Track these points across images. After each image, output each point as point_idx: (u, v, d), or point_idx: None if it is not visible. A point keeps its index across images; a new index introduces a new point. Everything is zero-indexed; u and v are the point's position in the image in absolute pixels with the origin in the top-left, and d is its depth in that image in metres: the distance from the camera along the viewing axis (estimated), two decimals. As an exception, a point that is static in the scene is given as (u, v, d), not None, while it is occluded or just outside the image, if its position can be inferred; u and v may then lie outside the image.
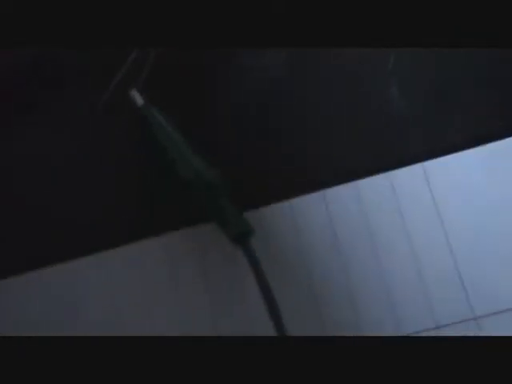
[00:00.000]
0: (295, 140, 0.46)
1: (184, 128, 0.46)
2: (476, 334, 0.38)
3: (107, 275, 0.42)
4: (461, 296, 0.37)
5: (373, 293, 0.39)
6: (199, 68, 0.52)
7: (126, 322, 0.39)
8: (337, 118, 0.46)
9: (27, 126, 0.50)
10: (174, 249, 0.43)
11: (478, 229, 0.38)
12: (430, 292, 0.37)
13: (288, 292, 0.39)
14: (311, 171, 0.44)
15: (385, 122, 0.44)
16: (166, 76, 0.51)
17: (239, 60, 0.51)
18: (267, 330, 0.35)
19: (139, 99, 0.47)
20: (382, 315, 0.38)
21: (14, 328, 0.40)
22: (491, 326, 0.36)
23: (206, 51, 0.53)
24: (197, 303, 0.41)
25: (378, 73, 0.47)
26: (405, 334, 0.37)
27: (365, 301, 0.39)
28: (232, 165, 0.45)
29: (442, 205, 0.39)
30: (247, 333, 0.38)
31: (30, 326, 0.40)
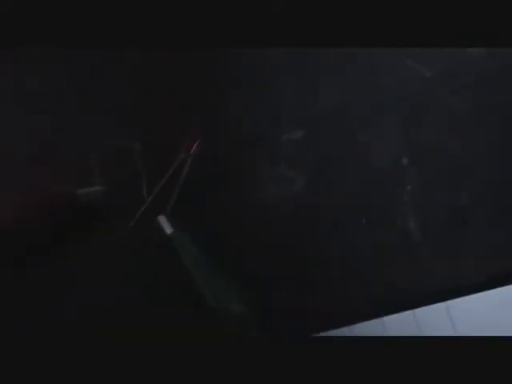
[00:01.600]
0: (322, 280, 0.47)
1: (215, 253, 0.47)
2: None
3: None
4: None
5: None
6: (223, 194, 0.52)
7: None
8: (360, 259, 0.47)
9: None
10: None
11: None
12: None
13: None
14: (336, 311, 0.45)
15: (408, 260, 0.46)
16: (194, 200, 0.52)
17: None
18: None
19: (167, 226, 0.48)
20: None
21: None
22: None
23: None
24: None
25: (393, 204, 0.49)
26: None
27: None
28: (264, 299, 0.46)
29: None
30: None
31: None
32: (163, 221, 0.48)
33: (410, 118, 0.52)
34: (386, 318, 0.41)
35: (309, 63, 0.58)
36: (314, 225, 0.49)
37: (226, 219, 0.50)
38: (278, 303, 0.46)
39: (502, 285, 0.41)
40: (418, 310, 0.41)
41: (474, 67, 0.53)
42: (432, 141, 0.51)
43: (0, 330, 0.50)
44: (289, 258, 0.48)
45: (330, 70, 0.57)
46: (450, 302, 0.41)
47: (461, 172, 0.49)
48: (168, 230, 0.47)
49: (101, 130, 0.57)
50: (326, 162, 0.52)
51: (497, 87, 0.52)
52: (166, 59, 0.60)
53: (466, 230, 0.46)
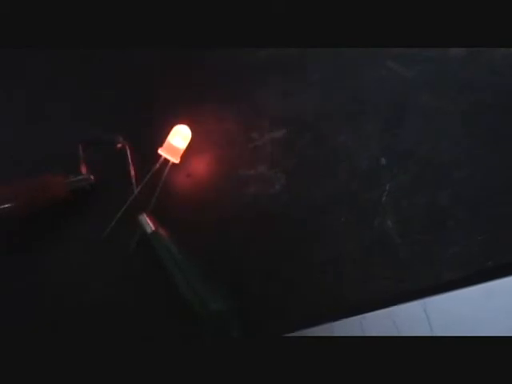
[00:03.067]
0: (306, 274, 0.48)
1: (193, 252, 0.47)
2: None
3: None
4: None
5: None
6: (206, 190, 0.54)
7: None
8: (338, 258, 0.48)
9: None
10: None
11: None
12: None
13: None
14: (319, 306, 0.46)
15: (386, 259, 0.46)
16: (175, 200, 0.53)
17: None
18: None
19: (148, 226, 0.48)
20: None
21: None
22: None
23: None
24: None
25: (374, 204, 0.49)
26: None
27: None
28: (241, 294, 0.46)
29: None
30: None
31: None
32: (144, 220, 0.48)
33: (390, 119, 0.53)
34: (363, 316, 0.41)
35: (291, 64, 0.58)
36: (293, 224, 0.50)
37: (208, 219, 0.51)
38: (258, 303, 0.46)
39: (477, 283, 0.41)
40: (394, 308, 0.41)
41: (453, 68, 0.54)
42: (411, 141, 0.51)
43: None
44: (270, 256, 0.48)
45: (312, 71, 0.57)
46: (426, 300, 0.41)
47: (439, 172, 0.49)
48: (149, 228, 0.48)
49: (91, 124, 0.59)
50: (305, 161, 0.53)
51: (477, 88, 0.52)
52: (157, 58, 0.61)
53: (443, 230, 0.46)
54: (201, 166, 0.54)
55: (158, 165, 0.52)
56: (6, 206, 0.48)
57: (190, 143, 0.54)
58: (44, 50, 0.61)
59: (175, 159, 0.53)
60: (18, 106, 0.61)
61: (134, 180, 0.53)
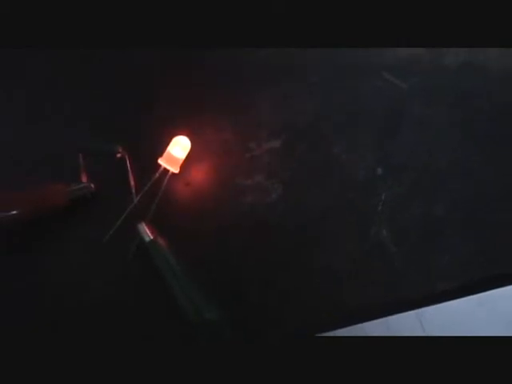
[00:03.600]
0: (300, 283, 0.48)
1: (191, 260, 0.47)
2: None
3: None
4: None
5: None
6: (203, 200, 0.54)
7: None
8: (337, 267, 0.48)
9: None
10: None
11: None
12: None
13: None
14: (314, 315, 0.46)
15: (381, 269, 0.47)
16: (174, 208, 0.54)
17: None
18: None
19: (146, 234, 0.49)
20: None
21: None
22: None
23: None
24: None
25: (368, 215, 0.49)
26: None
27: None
28: (240, 302, 0.47)
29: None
30: None
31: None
32: (143, 228, 0.49)
33: (386, 129, 0.53)
34: (365, 324, 0.41)
35: (286, 73, 0.58)
36: (289, 233, 0.50)
37: (206, 227, 0.51)
38: (257, 311, 0.46)
39: (471, 293, 0.41)
40: (389, 318, 0.41)
41: (449, 78, 0.54)
42: (407, 151, 0.51)
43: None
44: (268, 264, 0.49)
45: (307, 81, 0.57)
46: (420, 310, 0.41)
47: (435, 181, 0.50)
48: (147, 237, 0.48)
49: (91, 123, 0.59)
50: (302, 171, 0.53)
51: (471, 99, 0.52)
52: (157, 58, 0.61)
53: (439, 238, 0.46)
54: (199, 176, 0.55)
55: (157, 174, 0.53)
56: (8, 214, 0.48)
57: (189, 153, 0.55)
58: (44, 49, 0.62)
59: (175, 169, 0.53)
60: (18, 106, 0.61)
61: (133, 189, 0.54)
